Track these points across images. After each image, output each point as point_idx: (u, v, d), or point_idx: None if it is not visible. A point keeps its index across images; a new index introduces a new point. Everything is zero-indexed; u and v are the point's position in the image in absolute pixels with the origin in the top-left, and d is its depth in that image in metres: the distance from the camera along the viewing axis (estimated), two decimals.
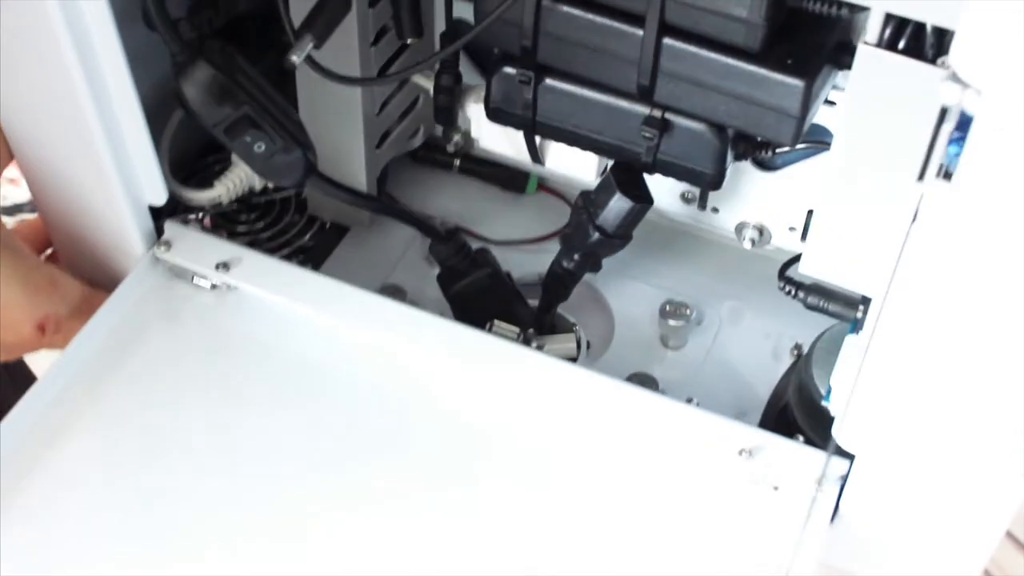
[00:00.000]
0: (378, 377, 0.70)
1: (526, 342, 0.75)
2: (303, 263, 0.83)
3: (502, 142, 0.78)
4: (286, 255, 0.83)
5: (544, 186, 0.89)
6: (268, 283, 0.72)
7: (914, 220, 0.48)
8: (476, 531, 0.65)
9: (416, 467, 0.67)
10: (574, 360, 0.79)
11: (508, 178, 0.88)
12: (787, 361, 0.79)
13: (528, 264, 0.83)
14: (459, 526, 0.65)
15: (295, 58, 0.61)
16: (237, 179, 0.78)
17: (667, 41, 0.64)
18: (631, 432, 0.67)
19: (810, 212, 0.79)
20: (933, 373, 0.55)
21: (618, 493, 0.66)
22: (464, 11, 0.76)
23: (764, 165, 0.76)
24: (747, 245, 0.81)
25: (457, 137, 0.85)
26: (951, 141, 0.58)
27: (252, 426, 0.69)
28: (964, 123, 0.59)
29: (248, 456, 0.67)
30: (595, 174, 0.78)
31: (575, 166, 0.78)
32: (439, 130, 0.87)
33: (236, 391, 0.70)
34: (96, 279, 0.75)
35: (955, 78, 0.43)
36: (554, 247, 0.84)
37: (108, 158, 0.68)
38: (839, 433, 0.62)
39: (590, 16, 0.65)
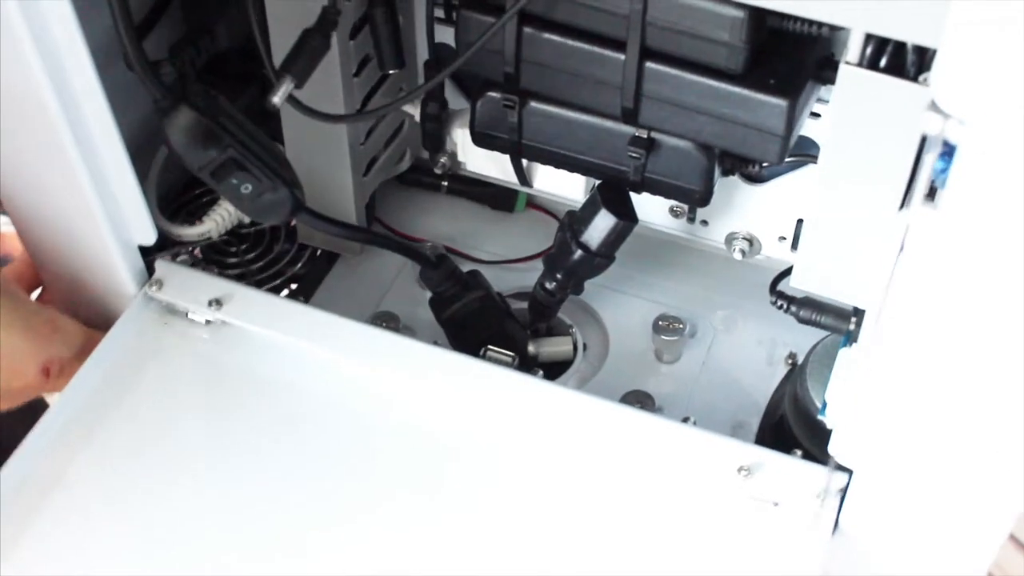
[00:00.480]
0: (374, 408, 0.70)
1: (522, 366, 0.75)
2: (295, 292, 0.83)
3: (488, 165, 0.79)
4: (278, 284, 0.83)
5: (533, 203, 0.89)
6: (261, 318, 0.72)
7: (901, 246, 0.48)
8: (475, 557, 0.65)
9: (413, 496, 0.67)
10: (570, 363, 0.79)
11: (497, 197, 0.89)
12: (782, 369, 0.79)
13: (520, 282, 0.83)
14: (456, 554, 0.65)
15: (276, 100, 0.61)
16: (226, 212, 0.78)
17: (649, 65, 0.64)
18: (630, 454, 0.67)
19: (799, 221, 0.79)
20: (930, 388, 0.55)
21: (619, 515, 0.66)
22: (446, 34, 0.76)
23: (751, 178, 0.76)
24: (737, 256, 0.81)
25: (444, 159, 0.84)
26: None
27: (253, 459, 0.69)
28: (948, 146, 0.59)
29: (249, 487, 0.68)
30: (583, 193, 0.78)
31: (562, 186, 0.78)
32: (425, 152, 0.87)
33: (235, 425, 0.70)
34: (90, 319, 0.76)
35: (936, 108, 0.43)
36: None
37: (95, 200, 0.68)
38: (836, 448, 0.62)
39: (571, 43, 0.65)
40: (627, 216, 0.73)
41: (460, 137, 0.78)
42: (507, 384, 0.69)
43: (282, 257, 0.84)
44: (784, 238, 0.81)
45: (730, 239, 0.82)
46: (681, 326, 0.80)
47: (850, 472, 0.63)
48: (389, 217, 0.87)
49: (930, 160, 0.45)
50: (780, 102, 0.63)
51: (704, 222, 0.83)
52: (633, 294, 0.83)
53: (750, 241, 0.82)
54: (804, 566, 0.63)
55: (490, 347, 0.75)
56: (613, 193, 0.73)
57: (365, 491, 0.68)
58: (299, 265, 0.84)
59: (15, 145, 0.67)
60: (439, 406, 0.70)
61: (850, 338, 0.68)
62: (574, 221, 0.74)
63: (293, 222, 0.85)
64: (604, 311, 0.83)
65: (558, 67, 0.66)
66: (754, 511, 0.65)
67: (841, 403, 0.64)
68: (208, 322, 0.74)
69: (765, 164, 0.72)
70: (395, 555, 0.65)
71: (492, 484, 0.67)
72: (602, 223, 0.73)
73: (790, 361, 0.79)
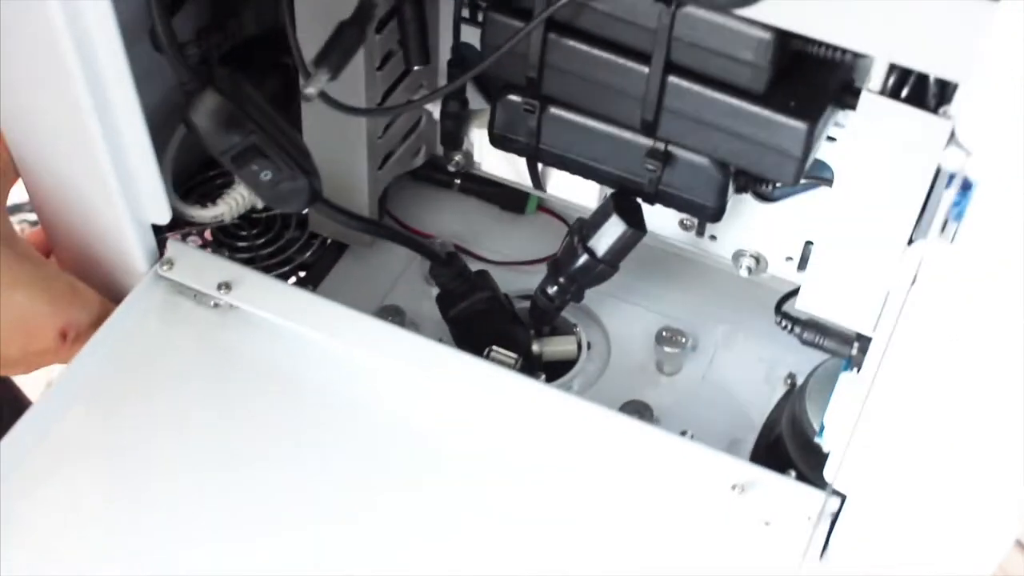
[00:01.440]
0: (374, 401, 0.71)
1: (527, 367, 0.76)
2: (303, 280, 0.83)
3: (504, 166, 0.79)
4: (286, 271, 0.83)
5: (544, 207, 0.90)
6: (269, 304, 0.73)
7: (914, 278, 0.48)
8: (461, 557, 0.65)
9: (404, 492, 0.68)
10: (574, 362, 0.80)
11: (508, 198, 0.89)
12: (781, 389, 0.80)
13: (527, 284, 0.83)
14: (442, 553, 0.65)
15: (311, 91, 0.61)
16: (240, 196, 0.78)
17: (672, 79, 0.64)
18: (625, 463, 0.68)
19: (808, 243, 0.80)
20: (932, 419, 0.56)
21: (611, 524, 0.66)
22: (470, 34, 0.76)
23: (763, 197, 0.77)
24: (744, 273, 0.82)
25: (458, 156, 0.85)
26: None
27: (253, 444, 0.69)
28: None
29: (248, 471, 0.68)
30: (596, 200, 0.79)
31: (576, 193, 0.78)
32: (440, 149, 0.87)
33: (237, 408, 0.70)
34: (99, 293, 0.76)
35: (958, 144, 0.44)
36: None
37: (112, 177, 0.68)
38: (831, 472, 0.63)
39: (596, 52, 0.65)
40: (637, 225, 0.73)
41: (477, 137, 0.78)
42: (508, 386, 0.70)
43: (292, 244, 0.84)
44: (791, 258, 0.81)
45: (737, 256, 0.83)
46: (684, 339, 0.80)
47: (843, 497, 0.64)
48: (400, 211, 0.88)
49: (948, 195, 0.45)
50: (799, 125, 0.63)
51: (713, 237, 0.83)
52: (637, 304, 0.84)
53: (757, 259, 0.82)
54: None
55: (494, 348, 0.75)
56: (626, 202, 0.73)
57: (355, 484, 0.68)
58: (308, 253, 0.84)
59: (36, 115, 0.67)
60: (439, 403, 0.70)
61: (852, 363, 0.68)
62: (584, 226, 0.74)
63: (306, 211, 0.86)
64: (608, 319, 0.83)
65: (581, 75, 0.67)
66: (745, 529, 0.65)
67: (839, 427, 0.64)
68: (216, 305, 0.74)
69: (779, 184, 0.73)
70: (381, 551, 0.65)
71: (485, 484, 0.68)
72: (612, 230, 0.73)
73: (789, 381, 0.80)
